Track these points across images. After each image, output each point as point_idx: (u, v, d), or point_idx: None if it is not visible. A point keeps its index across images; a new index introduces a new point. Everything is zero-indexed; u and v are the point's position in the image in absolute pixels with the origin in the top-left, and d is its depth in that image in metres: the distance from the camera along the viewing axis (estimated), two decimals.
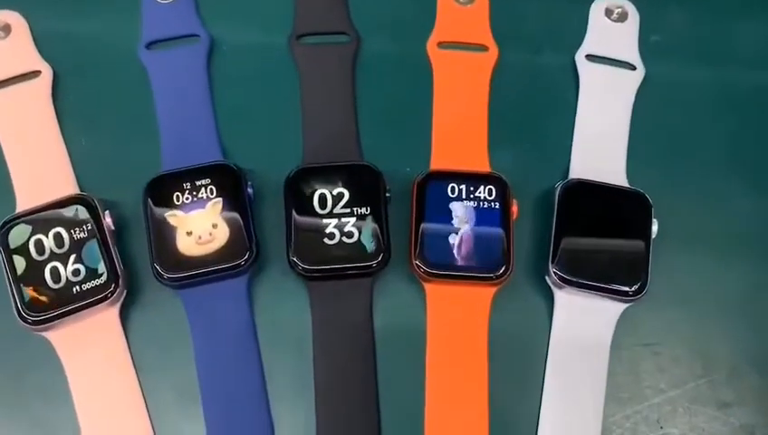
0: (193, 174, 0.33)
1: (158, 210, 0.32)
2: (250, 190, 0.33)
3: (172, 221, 0.32)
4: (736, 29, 0.40)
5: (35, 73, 0.36)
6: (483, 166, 0.35)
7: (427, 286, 0.33)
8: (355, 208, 0.33)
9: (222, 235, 0.32)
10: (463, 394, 0.32)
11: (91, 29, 0.38)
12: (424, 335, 0.33)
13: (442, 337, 0.33)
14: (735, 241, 0.36)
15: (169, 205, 0.32)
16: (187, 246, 0.32)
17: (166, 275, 0.31)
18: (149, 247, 0.32)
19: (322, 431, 0.31)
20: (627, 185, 0.35)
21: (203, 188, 0.32)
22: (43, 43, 0.37)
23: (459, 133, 0.36)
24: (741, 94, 0.38)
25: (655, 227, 0.34)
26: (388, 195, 0.34)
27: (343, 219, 0.33)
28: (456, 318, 0.33)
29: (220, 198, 0.32)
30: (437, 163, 0.35)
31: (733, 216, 0.36)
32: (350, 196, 0.33)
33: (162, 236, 0.32)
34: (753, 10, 0.40)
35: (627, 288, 0.33)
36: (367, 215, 0.33)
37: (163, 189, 0.32)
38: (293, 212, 0.33)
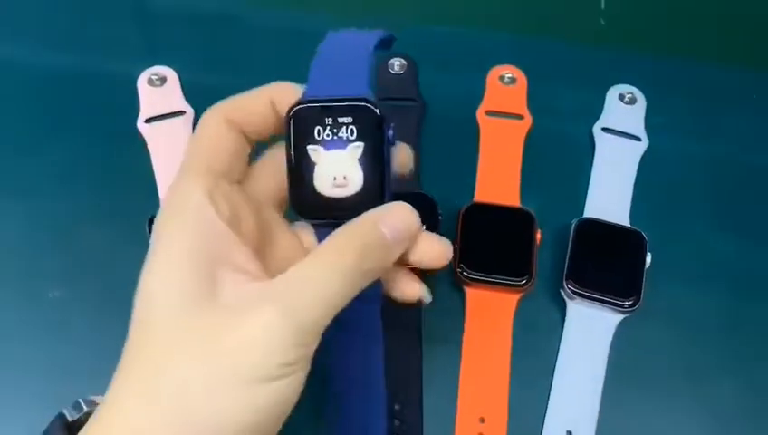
0: (336, 110, 0.28)
1: (300, 141, 0.29)
2: (390, 132, 0.29)
3: (313, 157, 0.29)
4: (723, 114, 0.47)
5: (181, 112, 0.44)
6: (515, 203, 0.42)
7: (467, 289, 0.40)
8: None
9: (357, 181, 0.29)
10: (489, 376, 0.39)
11: (226, 82, 0.42)
12: (462, 326, 0.40)
13: (476, 330, 0.40)
14: (716, 274, 0.41)
15: (310, 139, 0.28)
16: (325, 186, 0.29)
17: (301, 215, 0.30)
18: (289, 180, 0.29)
19: None
20: (629, 225, 0.41)
21: (344, 127, 0.28)
22: (188, 91, 0.46)
23: (498, 178, 0.43)
24: (724, 164, 0.45)
25: (648, 259, 0.40)
26: (440, 217, 0.40)
27: None
28: (487, 316, 0.40)
29: (361, 143, 0.28)
30: (480, 198, 0.43)
31: (715, 256, 0.42)
32: None
33: (301, 171, 0.29)
34: (735, 101, 0.47)
35: (624, 302, 0.39)
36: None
37: (306, 121, 0.28)
38: None
